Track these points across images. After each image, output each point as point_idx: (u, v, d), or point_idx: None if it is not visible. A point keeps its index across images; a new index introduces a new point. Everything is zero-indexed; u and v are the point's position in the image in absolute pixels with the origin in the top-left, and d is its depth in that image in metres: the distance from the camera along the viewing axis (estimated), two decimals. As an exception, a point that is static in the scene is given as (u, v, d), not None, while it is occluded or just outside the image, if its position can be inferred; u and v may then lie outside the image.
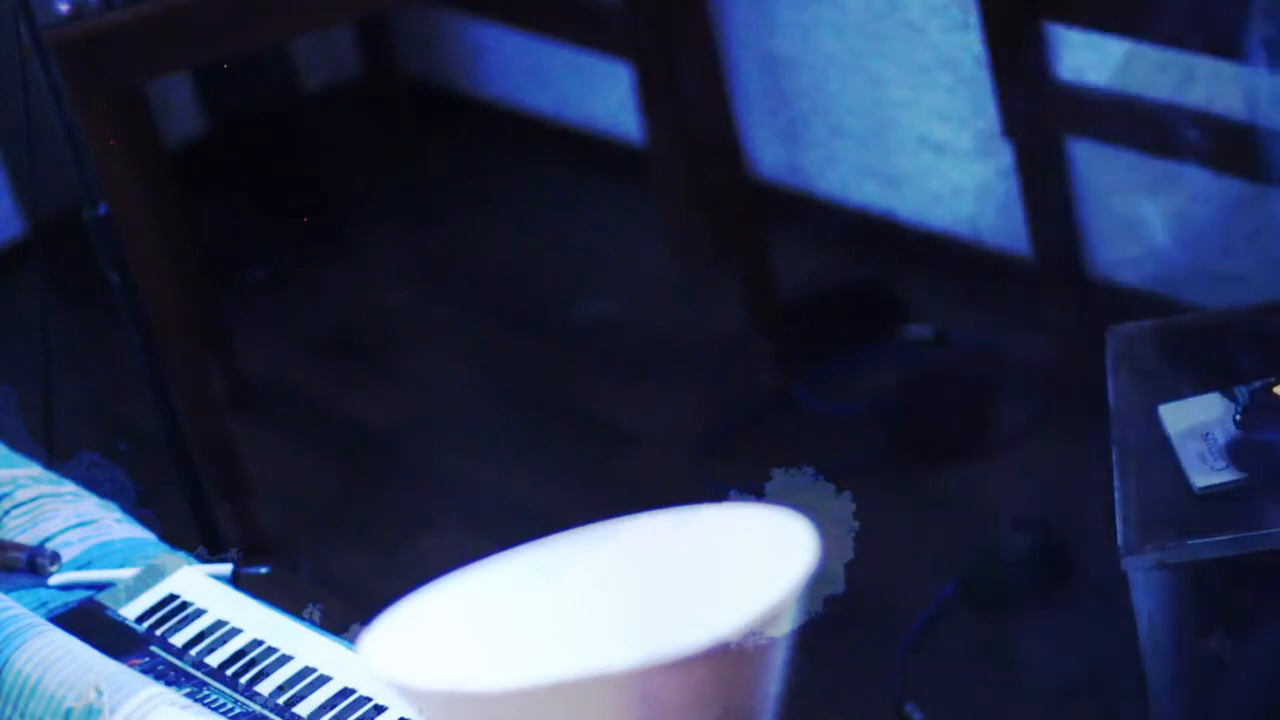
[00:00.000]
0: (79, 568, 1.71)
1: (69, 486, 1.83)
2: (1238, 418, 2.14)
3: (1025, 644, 2.52)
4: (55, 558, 1.72)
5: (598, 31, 3.77)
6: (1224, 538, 2.07)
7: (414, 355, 3.70)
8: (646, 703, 1.02)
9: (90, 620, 1.60)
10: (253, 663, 1.53)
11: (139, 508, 1.81)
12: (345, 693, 1.48)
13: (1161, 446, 2.22)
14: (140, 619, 1.61)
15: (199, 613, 1.60)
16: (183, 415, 2.73)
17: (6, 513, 1.79)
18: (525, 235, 3.98)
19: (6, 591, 1.65)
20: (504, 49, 4.21)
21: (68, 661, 1.48)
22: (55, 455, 1.99)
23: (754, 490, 1.18)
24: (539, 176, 4.12)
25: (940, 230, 3.48)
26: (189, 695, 1.50)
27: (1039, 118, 3.12)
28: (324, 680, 1.50)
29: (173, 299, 3.11)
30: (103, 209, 2.54)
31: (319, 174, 4.34)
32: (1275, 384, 2.18)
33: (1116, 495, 2.17)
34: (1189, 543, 2.08)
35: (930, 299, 3.44)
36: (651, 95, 3.65)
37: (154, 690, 1.44)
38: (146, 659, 1.55)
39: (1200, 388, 2.26)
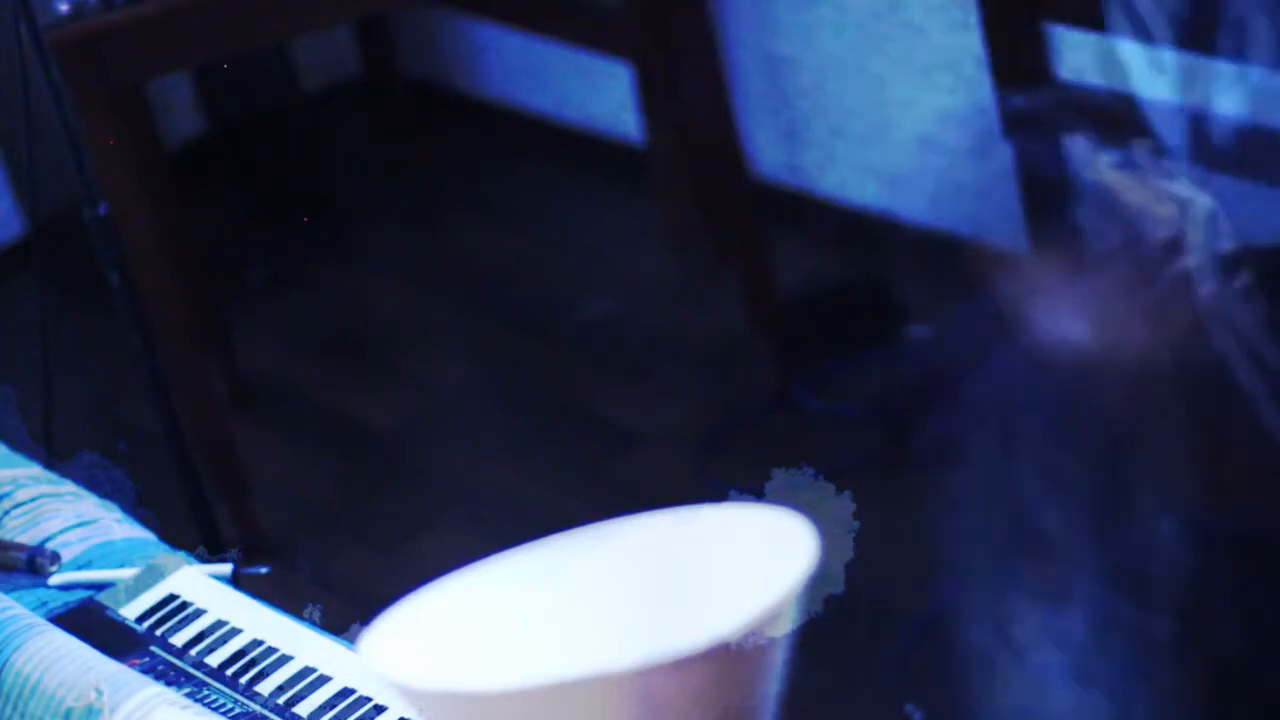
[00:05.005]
0: (79, 568, 1.71)
1: (69, 486, 1.83)
2: None
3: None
4: (55, 558, 1.72)
5: (598, 31, 3.77)
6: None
7: (414, 355, 3.70)
8: (646, 703, 1.02)
9: (90, 620, 1.60)
10: (253, 663, 1.53)
11: (139, 508, 1.81)
12: (345, 693, 1.48)
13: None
14: (140, 619, 1.61)
15: (199, 613, 1.60)
16: (183, 415, 2.73)
17: (6, 513, 1.79)
18: (525, 235, 3.98)
19: (6, 591, 1.65)
20: (504, 49, 4.21)
21: (68, 661, 1.48)
22: (55, 455, 1.99)
23: (754, 490, 1.18)
24: (539, 176, 4.12)
25: (940, 230, 3.48)
26: (189, 695, 1.49)
27: (1039, 118, 3.12)
28: (324, 680, 1.50)
29: (173, 299, 3.11)
30: (103, 209, 2.54)
31: (319, 174, 4.34)
32: None
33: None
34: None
35: (930, 299, 3.44)
36: (651, 95, 3.65)
37: (154, 690, 1.44)
38: (146, 659, 1.55)
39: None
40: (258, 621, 1.58)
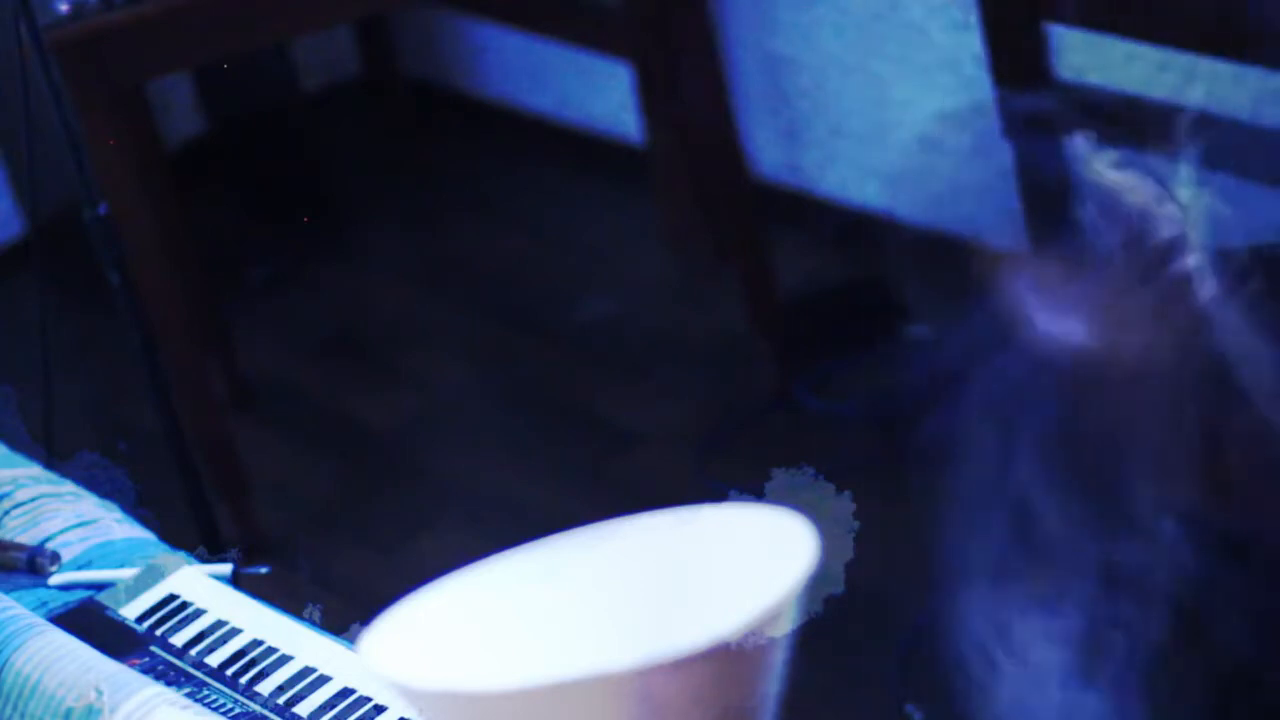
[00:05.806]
0: (79, 568, 1.71)
1: (69, 486, 1.83)
2: None
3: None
4: (55, 558, 1.72)
5: (598, 31, 3.77)
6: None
7: (414, 355, 3.70)
8: (646, 703, 1.02)
9: (90, 620, 1.60)
10: (253, 663, 1.53)
11: (139, 508, 1.81)
12: (345, 693, 1.48)
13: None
14: (140, 619, 1.61)
15: (199, 613, 1.60)
16: (183, 415, 2.73)
17: (6, 513, 1.79)
18: (525, 235, 3.98)
19: (6, 591, 1.65)
20: (504, 49, 4.21)
21: (68, 661, 1.48)
22: (55, 455, 1.99)
23: (754, 490, 1.18)
24: (539, 176, 4.12)
25: (940, 230, 3.48)
26: (189, 695, 1.49)
27: (1039, 118, 3.12)
28: (324, 680, 1.50)
29: (173, 299, 3.11)
30: (103, 209, 2.54)
31: (319, 174, 4.34)
32: None
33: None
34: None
35: (930, 299, 3.44)
36: (651, 95, 3.65)
37: (154, 690, 1.44)
38: (146, 659, 1.55)
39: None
40: (258, 621, 1.58)
